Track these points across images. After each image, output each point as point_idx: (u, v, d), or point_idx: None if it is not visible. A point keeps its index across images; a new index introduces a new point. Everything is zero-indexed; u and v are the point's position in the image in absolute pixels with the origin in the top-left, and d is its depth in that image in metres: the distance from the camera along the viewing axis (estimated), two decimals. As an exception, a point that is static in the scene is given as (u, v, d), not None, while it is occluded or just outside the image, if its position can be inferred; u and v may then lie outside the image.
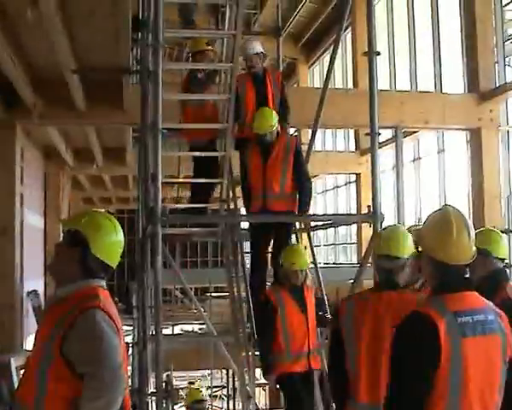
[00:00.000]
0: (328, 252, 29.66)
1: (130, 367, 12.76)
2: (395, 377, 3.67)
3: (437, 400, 3.56)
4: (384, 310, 4.92)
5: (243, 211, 9.13)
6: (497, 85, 15.48)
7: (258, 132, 8.62)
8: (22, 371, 4.39)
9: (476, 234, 4.41)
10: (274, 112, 8.79)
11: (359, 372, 4.95)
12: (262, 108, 8.82)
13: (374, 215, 6.92)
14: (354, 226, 24.53)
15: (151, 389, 7.47)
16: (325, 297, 9.12)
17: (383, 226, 6.55)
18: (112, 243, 4.20)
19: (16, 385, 11.10)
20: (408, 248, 5.04)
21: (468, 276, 3.85)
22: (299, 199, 8.68)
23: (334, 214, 23.31)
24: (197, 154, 9.52)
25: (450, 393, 3.55)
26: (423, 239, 3.89)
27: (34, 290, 17.19)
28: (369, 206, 6.94)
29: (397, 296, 4.95)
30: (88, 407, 3.83)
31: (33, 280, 17.35)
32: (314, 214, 11.53)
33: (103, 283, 4.19)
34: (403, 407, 3.59)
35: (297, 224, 9.85)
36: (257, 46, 9.25)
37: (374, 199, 6.93)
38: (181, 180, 10.16)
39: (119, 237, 4.27)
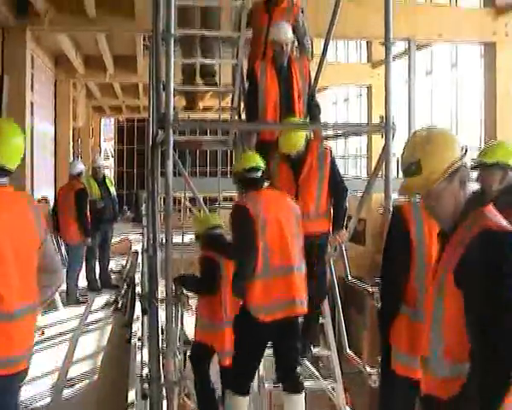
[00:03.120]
0: (339, 165, 29.61)
1: (139, 274, 12.92)
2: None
3: None
4: None
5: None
6: (514, -1, 15.22)
7: (284, 152, 7.44)
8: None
9: (497, 147, 4.38)
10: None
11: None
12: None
13: (386, 125, 6.86)
14: (364, 141, 24.53)
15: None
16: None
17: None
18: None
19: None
20: None
21: None
22: (335, 213, 7.62)
23: (345, 124, 23.16)
24: (207, 62, 9.39)
25: None
26: None
27: (44, 198, 17.28)
28: (381, 116, 6.86)
29: None
30: None
31: (43, 187, 17.43)
32: (326, 123, 11.31)
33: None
34: None
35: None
36: (289, 32, 7.83)
37: (386, 108, 6.84)
38: (192, 88, 9.98)
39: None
